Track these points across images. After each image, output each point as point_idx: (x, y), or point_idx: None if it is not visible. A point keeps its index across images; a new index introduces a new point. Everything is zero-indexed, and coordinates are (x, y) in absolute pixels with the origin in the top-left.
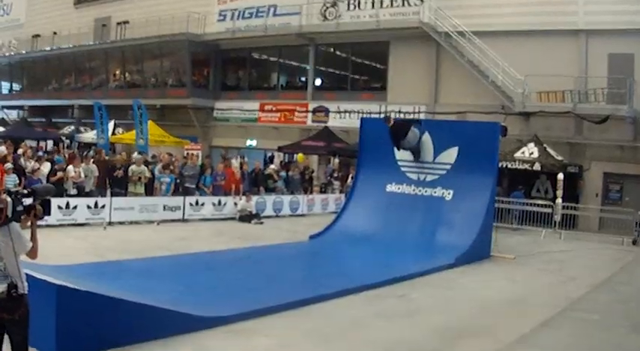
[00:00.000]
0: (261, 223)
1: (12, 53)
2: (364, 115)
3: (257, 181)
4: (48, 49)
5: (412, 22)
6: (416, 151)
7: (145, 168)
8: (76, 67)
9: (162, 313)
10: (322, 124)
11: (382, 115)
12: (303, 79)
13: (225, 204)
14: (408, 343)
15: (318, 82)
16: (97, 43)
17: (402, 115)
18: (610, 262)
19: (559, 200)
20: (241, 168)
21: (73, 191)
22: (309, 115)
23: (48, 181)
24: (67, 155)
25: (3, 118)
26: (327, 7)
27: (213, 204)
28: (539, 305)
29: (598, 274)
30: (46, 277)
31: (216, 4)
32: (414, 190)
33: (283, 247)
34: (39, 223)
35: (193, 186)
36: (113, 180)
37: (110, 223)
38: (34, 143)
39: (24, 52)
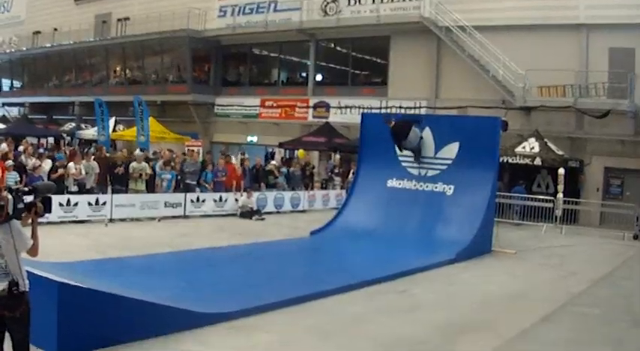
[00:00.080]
0: (262, 219)
1: (12, 50)
2: (365, 111)
3: (258, 177)
4: (48, 45)
5: (413, 16)
6: (417, 151)
7: (146, 165)
8: (77, 63)
9: (163, 309)
10: (323, 120)
11: (383, 112)
12: (304, 74)
13: (226, 200)
14: (410, 339)
15: (318, 77)
16: (97, 40)
17: (402, 111)
18: (611, 257)
19: (560, 195)
20: (242, 164)
21: (74, 188)
22: (310, 110)
23: (49, 178)
24: (67, 152)
25: (4, 115)
26: (328, 3)
27: (214, 200)
28: (540, 300)
29: (599, 268)
30: (48, 275)
31: (217, 0)
32: (415, 185)
33: (284, 243)
34: (40, 220)
35: (194, 182)
36: (114, 177)
37: (111, 220)
38: (34, 140)
39: (24, 49)
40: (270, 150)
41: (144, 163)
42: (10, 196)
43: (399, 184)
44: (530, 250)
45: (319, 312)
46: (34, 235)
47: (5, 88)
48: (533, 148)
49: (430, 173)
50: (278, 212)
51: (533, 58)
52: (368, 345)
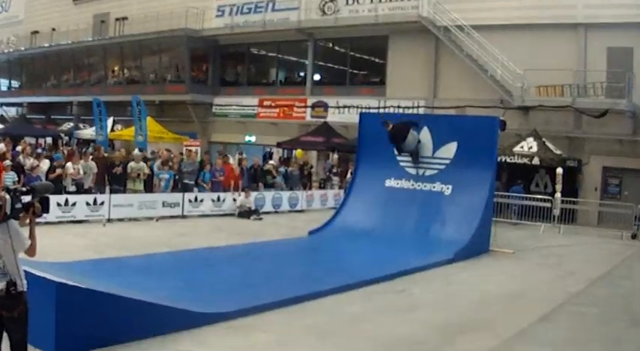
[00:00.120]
0: (260, 218)
1: (11, 50)
2: (363, 110)
3: (256, 177)
4: (47, 45)
5: (411, 16)
6: (414, 154)
7: (144, 164)
8: (75, 63)
9: (161, 309)
10: (321, 120)
11: (381, 112)
12: (302, 74)
13: (224, 200)
14: (408, 339)
15: (316, 77)
16: (95, 40)
17: (401, 110)
18: (609, 257)
19: (558, 194)
20: (240, 164)
21: (72, 188)
22: (308, 110)
23: (47, 178)
24: (65, 152)
25: (2, 115)
26: (326, 2)
27: (212, 200)
28: (538, 300)
29: (597, 268)
30: (46, 275)
31: None
32: (413, 185)
33: (282, 243)
34: (38, 220)
35: (192, 182)
36: (112, 177)
37: (109, 220)
38: (33, 140)
39: (23, 48)
40: (268, 150)
41: (142, 163)
42: (7, 196)
43: (397, 183)
44: (528, 249)
45: (317, 312)
46: (31, 235)
47: (3, 88)
48: (531, 147)
49: (428, 173)
50: (276, 212)
51: (532, 58)
52: (366, 345)
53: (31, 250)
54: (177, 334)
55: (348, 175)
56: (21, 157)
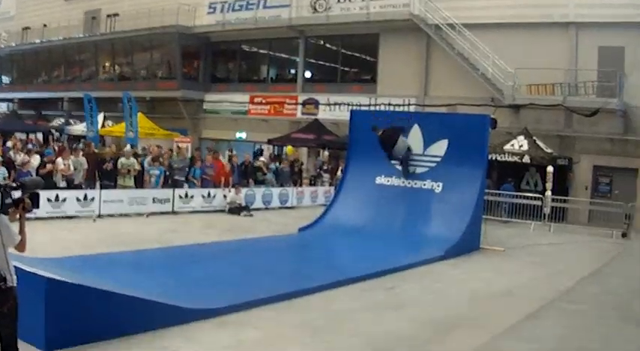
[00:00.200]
0: (251, 215)
1: (2, 46)
2: (354, 108)
3: (246, 174)
4: (38, 41)
5: (402, 14)
6: (405, 162)
7: (135, 160)
8: (66, 59)
9: (151, 305)
10: (312, 117)
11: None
12: (293, 71)
13: (214, 196)
14: (398, 335)
15: (308, 74)
16: (86, 36)
17: (392, 108)
18: (599, 255)
19: (548, 193)
20: (230, 160)
21: (63, 184)
22: (299, 107)
23: (37, 173)
24: (56, 148)
25: None
26: (317, 0)
27: (203, 196)
28: (528, 297)
29: (587, 266)
30: (36, 270)
31: None
32: (403, 182)
33: (272, 240)
34: (28, 216)
35: (183, 178)
36: (102, 172)
37: (99, 216)
38: (23, 136)
39: (14, 44)
40: (259, 146)
41: (132, 159)
42: None
43: (388, 181)
44: (518, 247)
45: (307, 308)
46: (21, 231)
47: None
48: (522, 145)
49: (419, 170)
50: (266, 208)
51: (523, 57)
52: (356, 341)
53: (20, 246)
54: (167, 329)
55: (339, 172)
56: (11, 152)
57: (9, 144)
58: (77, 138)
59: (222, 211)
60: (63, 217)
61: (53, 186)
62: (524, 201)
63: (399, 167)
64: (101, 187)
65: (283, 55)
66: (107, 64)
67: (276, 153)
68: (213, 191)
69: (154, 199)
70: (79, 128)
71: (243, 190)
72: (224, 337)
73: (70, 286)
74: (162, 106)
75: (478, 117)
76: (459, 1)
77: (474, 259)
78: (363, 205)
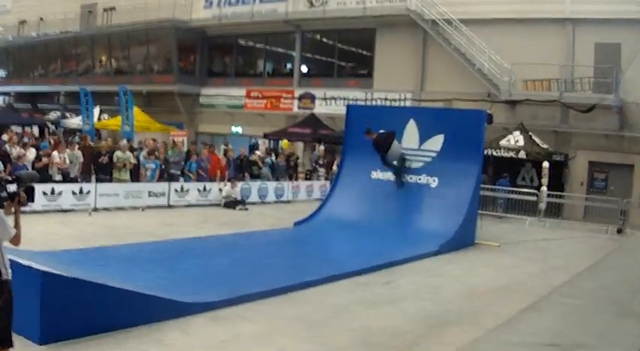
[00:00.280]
0: (246, 209)
1: None
2: (350, 102)
3: (242, 168)
4: (34, 35)
5: (399, 9)
6: (398, 172)
7: (130, 154)
8: (62, 53)
9: (147, 299)
10: (308, 111)
11: (367, 102)
12: (290, 65)
13: (210, 190)
14: (393, 330)
15: (304, 68)
16: (83, 30)
17: (388, 103)
18: (594, 251)
19: (544, 188)
20: (226, 154)
21: (58, 177)
22: (295, 101)
23: (33, 167)
24: (52, 141)
25: None
26: None
27: (199, 190)
28: (523, 292)
29: (582, 262)
30: (31, 263)
31: None
32: None
33: (268, 234)
34: (24, 209)
35: (178, 172)
36: (98, 166)
37: (95, 209)
38: (19, 129)
39: (10, 38)
40: (253, 141)
41: (128, 153)
42: None
43: (384, 175)
44: (513, 243)
45: (303, 302)
46: (16, 224)
47: None
48: (517, 141)
49: (415, 165)
50: (262, 203)
51: (519, 52)
52: (351, 336)
53: (15, 239)
54: (163, 323)
55: (335, 167)
56: (7, 145)
57: (5, 137)
58: (73, 131)
59: (217, 205)
60: (58, 211)
61: (49, 179)
62: (520, 196)
63: (394, 161)
64: (97, 181)
65: (280, 50)
66: (103, 57)
67: (272, 147)
68: (208, 185)
69: (149, 193)
70: (74, 122)
71: (239, 184)
72: (220, 331)
73: (65, 280)
74: (158, 100)
75: (474, 112)
76: None
77: (470, 255)
78: (358, 200)
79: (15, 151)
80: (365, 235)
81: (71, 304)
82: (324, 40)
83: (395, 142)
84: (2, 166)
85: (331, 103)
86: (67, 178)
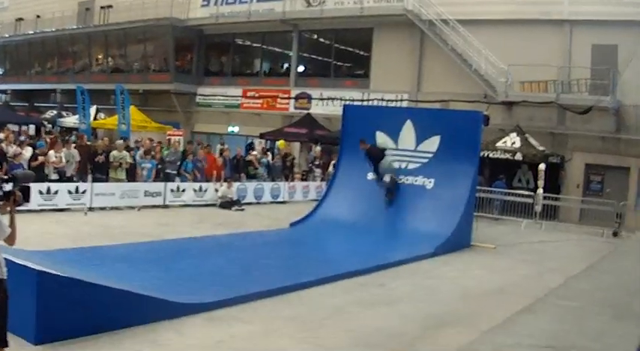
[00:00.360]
0: (242, 209)
1: None
2: (347, 103)
3: (238, 168)
4: (31, 32)
5: (396, 9)
6: (390, 190)
7: (127, 153)
8: (59, 51)
9: (142, 299)
10: (305, 111)
11: (364, 102)
12: (286, 65)
13: (206, 190)
14: (389, 331)
15: (301, 68)
16: (80, 27)
17: (384, 103)
18: (590, 253)
19: (540, 190)
20: (222, 154)
21: (54, 176)
22: (292, 101)
23: (29, 165)
24: (48, 140)
25: None
26: None
27: (194, 190)
28: (519, 294)
29: (578, 264)
30: (27, 263)
31: None
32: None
33: (264, 234)
34: (19, 208)
35: (175, 172)
36: (94, 165)
37: (91, 209)
38: (15, 128)
39: (7, 35)
40: (250, 140)
41: (124, 152)
42: None
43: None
44: (509, 245)
45: (298, 303)
46: (11, 224)
47: None
48: (514, 143)
49: (411, 166)
50: (258, 203)
51: (516, 53)
52: (347, 337)
53: (10, 239)
54: (158, 324)
55: (331, 167)
56: (3, 144)
57: (1, 136)
58: (69, 130)
59: (213, 205)
60: (54, 210)
61: (45, 178)
62: (516, 198)
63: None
64: (93, 180)
65: (276, 49)
66: (100, 56)
67: (268, 147)
68: (204, 185)
69: (145, 193)
70: (71, 120)
71: (235, 185)
72: (215, 332)
73: (61, 280)
74: (154, 99)
75: (471, 113)
76: None
77: (465, 256)
78: (354, 201)
79: (11, 149)
80: (361, 236)
81: (67, 304)
82: (321, 39)
83: (387, 157)
84: None
85: (328, 103)
86: (63, 178)
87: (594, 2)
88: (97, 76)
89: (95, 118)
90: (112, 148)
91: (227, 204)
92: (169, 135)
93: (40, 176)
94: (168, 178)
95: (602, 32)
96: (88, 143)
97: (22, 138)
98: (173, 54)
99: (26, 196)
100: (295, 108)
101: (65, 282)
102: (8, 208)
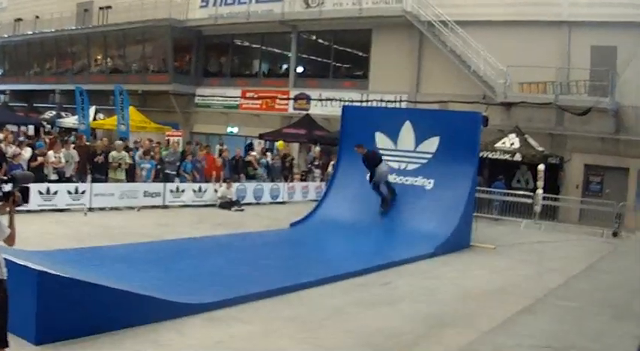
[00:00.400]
0: (242, 210)
1: None
2: (346, 103)
3: (237, 168)
4: (30, 33)
5: (395, 10)
6: (386, 201)
7: (126, 154)
8: (58, 51)
9: (142, 299)
10: (304, 112)
11: (363, 103)
12: (285, 66)
13: (205, 191)
14: (389, 332)
15: (299, 69)
16: (79, 28)
17: (383, 104)
18: (590, 253)
19: (539, 191)
20: (221, 155)
21: (54, 177)
22: (291, 102)
23: (28, 166)
24: (47, 140)
25: None
26: None
27: (194, 190)
28: (518, 295)
29: (578, 264)
30: (27, 263)
31: None
32: (394, 178)
33: (264, 235)
34: (19, 208)
35: (174, 172)
36: (94, 166)
37: (90, 209)
38: (15, 128)
39: (6, 36)
40: (248, 141)
41: (123, 153)
42: None
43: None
44: (509, 245)
45: (299, 304)
46: (11, 225)
47: None
48: (513, 143)
49: (410, 167)
50: (257, 203)
51: (515, 55)
52: (348, 337)
53: (10, 239)
54: (159, 324)
55: (330, 168)
56: (3, 145)
57: (0, 136)
58: (68, 131)
59: (213, 205)
60: (54, 210)
61: (44, 179)
62: (515, 199)
63: (390, 162)
64: (92, 181)
65: (275, 50)
66: (99, 56)
67: (267, 148)
68: (204, 185)
69: (145, 193)
70: (70, 121)
71: (235, 185)
72: (215, 332)
73: (61, 280)
74: (153, 100)
75: (470, 114)
76: None
77: (465, 257)
78: (354, 201)
79: (10, 150)
80: (360, 237)
81: (67, 304)
82: (320, 40)
83: (383, 165)
84: None
85: (327, 104)
86: (62, 178)
87: (593, 4)
88: (95, 76)
89: (94, 119)
90: (111, 148)
91: (226, 204)
92: (168, 135)
93: (40, 177)
94: (167, 179)
95: (601, 33)
96: (87, 144)
97: (21, 138)
98: (172, 55)
99: (25, 197)
100: (294, 109)
101: (65, 282)
102: (8, 209)
